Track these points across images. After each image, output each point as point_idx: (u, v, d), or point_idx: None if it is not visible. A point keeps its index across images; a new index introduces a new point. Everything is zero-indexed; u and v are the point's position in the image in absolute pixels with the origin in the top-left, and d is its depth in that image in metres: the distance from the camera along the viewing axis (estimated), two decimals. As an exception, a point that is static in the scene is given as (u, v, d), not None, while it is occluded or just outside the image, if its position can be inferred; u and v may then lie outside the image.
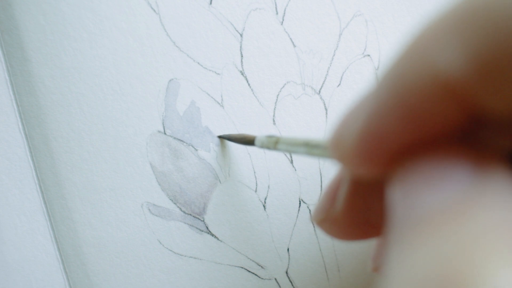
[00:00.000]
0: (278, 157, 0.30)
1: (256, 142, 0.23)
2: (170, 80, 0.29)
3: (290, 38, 0.31)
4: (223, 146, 0.29)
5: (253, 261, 0.30)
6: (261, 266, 0.30)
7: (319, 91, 0.31)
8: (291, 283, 0.30)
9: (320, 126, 0.31)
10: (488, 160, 0.09)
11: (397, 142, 0.10)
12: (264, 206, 0.30)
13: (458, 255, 0.08)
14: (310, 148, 0.16)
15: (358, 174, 0.11)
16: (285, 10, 0.31)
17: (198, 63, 0.29)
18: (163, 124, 0.29)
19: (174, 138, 0.29)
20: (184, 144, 0.29)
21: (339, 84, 0.32)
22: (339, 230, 0.14)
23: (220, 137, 0.29)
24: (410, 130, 0.10)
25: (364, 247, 0.31)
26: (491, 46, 0.09)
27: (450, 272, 0.08)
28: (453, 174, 0.09)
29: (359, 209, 0.13)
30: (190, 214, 0.29)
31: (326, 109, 0.31)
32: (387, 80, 0.10)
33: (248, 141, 0.25)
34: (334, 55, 0.31)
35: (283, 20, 0.31)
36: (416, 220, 0.09)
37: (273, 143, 0.20)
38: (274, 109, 0.30)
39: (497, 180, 0.09)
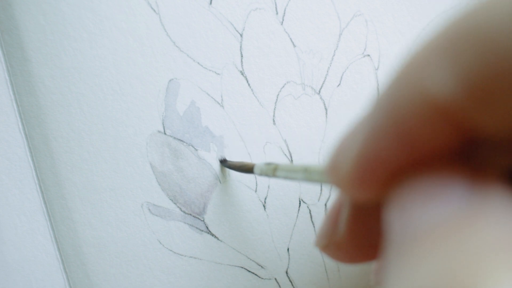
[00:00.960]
0: (278, 157, 0.30)
1: (255, 169, 0.23)
2: (170, 80, 0.29)
3: (290, 38, 0.31)
4: (223, 171, 0.30)
5: (253, 261, 0.30)
6: (261, 266, 0.30)
7: (319, 91, 0.31)
8: (291, 283, 0.30)
9: (320, 126, 0.31)
10: (485, 177, 0.10)
11: (392, 164, 0.10)
12: (264, 206, 0.30)
13: (461, 266, 0.08)
14: (308, 174, 0.16)
15: (356, 198, 0.11)
16: (285, 10, 0.31)
17: (198, 63, 0.29)
18: (163, 124, 0.29)
19: (174, 138, 0.29)
20: (184, 144, 0.29)
21: (339, 84, 0.32)
22: (343, 255, 0.14)
23: (221, 165, 0.29)
24: (405, 152, 0.10)
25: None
26: (481, 67, 0.09)
27: (453, 282, 0.08)
28: (450, 191, 0.09)
29: (362, 232, 0.13)
30: (190, 214, 0.29)
31: (326, 109, 0.31)
32: (381, 104, 0.10)
33: (247, 169, 0.25)
34: (334, 55, 0.31)
35: (283, 20, 0.31)
36: (414, 235, 0.09)
37: (272, 170, 0.20)
38: (274, 109, 0.30)
39: (494, 196, 0.09)
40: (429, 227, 0.09)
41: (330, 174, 0.12)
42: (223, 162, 0.29)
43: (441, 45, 0.09)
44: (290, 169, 0.18)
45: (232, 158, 0.30)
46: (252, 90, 0.30)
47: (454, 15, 0.09)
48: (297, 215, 0.31)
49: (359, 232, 0.13)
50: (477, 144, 0.10)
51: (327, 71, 0.31)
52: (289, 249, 0.30)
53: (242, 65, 0.30)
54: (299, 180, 0.17)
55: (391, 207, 0.10)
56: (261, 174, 0.22)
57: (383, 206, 0.11)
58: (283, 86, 0.31)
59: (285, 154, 0.30)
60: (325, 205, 0.31)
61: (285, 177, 0.19)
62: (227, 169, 0.29)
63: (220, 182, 0.29)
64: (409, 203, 0.10)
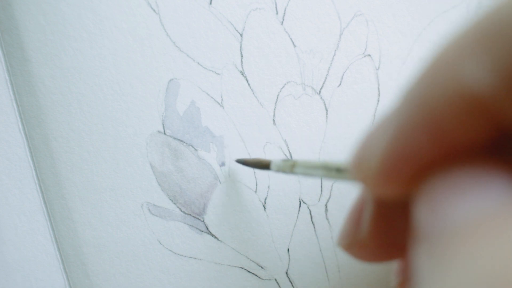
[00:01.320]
0: (278, 157, 0.30)
1: (272, 166, 0.23)
2: (170, 80, 0.29)
3: (290, 38, 0.31)
4: (233, 173, 0.29)
5: (253, 261, 0.30)
6: (261, 267, 0.30)
7: (320, 91, 0.31)
8: (291, 283, 0.30)
9: (321, 126, 0.31)
10: None
11: (423, 159, 0.10)
12: (264, 207, 0.30)
13: None
14: (328, 171, 0.16)
15: (383, 194, 0.11)
16: (285, 10, 0.31)
17: (198, 63, 0.29)
18: (163, 124, 0.29)
19: (174, 138, 0.29)
20: (184, 144, 0.29)
21: (340, 84, 0.31)
22: (367, 254, 0.13)
23: (237, 161, 0.29)
24: (436, 146, 0.10)
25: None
26: None
27: (509, 275, 0.07)
28: (490, 184, 0.09)
29: (386, 231, 0.13)
30: (190, 214, 0.29)
31: (326, 109, 0.31)
32: (411, 97, 0.10)
33: (263, 165, 0.25)
34: (334, 55, 0.31)
35: (283, 20, 0.31)
36: (453, 231, 0.09)
37: (290, 167, 0.20)
38: (274, 109, 0.30)
39: None
40: (471, 222, 0.09)
41: (356, 170, 0.11)
42: (239, 160, 0.29)
43: (477, 36, 0.09)
44: (309, 165, 0.18)
45: (233, 158, 0.30)
46: (252, 90, 0.30)
47: (489, 6, 0.09)
48: (297, 216, 0.31)
49: (383, 230, 0.13)
50: (509, 139, 0.10)
51: (328, 71, 0.31)
52: (289, 250, 0.30)
53: (242, 65, 0.30)
54: (318, 177, 0.17)
55: (421, 203, 0.10)
56: (277, 171, 0.22)
57: (412, 203, 0.10)
58: (283, 86, 0.30)
59: (285, 154, 0.30)
60: (326, 205, 0.31)
61: (304, 174, 0.19)
62: (231, 170, 0.29)
63: (220, 182, 0.29)
64: (443, 198, 0.09)
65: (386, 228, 0.13)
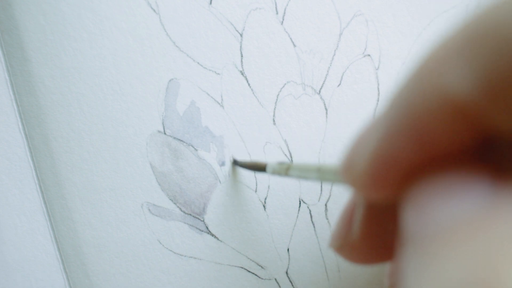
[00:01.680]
0: (278, 157, 0.30)
1: (268, 169, 0.23)
2: (170, 80, 0.29)
3: (290, 38, 0.31)
4: (234, 172, 0.29)
5: (253, 261, 0.30)
6: (261, 266, 0.30)
7: (319, 91, 0.31)
8: (291, 283, 0.30)
9: (320, 126, 0.31)
10: (504, 176, 0.09)
11: (408, 164, 0.10)
12: (264, 206, 0.30)
13: (488, 264, 0.08)
14: (322, 173, 0.16)
15: (371, 198, 0.11)
16: (285, 9, 0.31)
17: (198, 63, 0.29)
18: (163, 124, 0.29)
19: (174, 138, 0.29)
20: (184, 144, 0.29)
21: (340, 84, 0.32)
22: (358, 255, 0.13)
23: (234, 163, 0.29)
24: (421, 151, 0.10)
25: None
26: (499, 66, 0.09)
27: (481, 279, 0.08)
28: (471, 189, 0.09)
29: (376, 233, 0.13)
30: (190, 214, 0.29)
31: (326, 109, 0.31)
32: (396, 103, 0.10)
33: (259, 168, 0.25)
34: (334, 55, 0.31)
35: (283, 20, 0.31)
36: (435, 233, 0.09)
37: (284, 170, 0.20)
38: (274, 109, 0.30)
39: None
40: (452, 225, 0.09)
41: (345, 174, 0.12)
42: (235, 162, 0.29)
43: (459, 44, 0.09)
44: (303, 168, 0.18)
45: (232, 158, 0.30)
46: (252, 90, 0.30)
47: (472, 14, 0.09)
48: (297, 216, 0.31)
49: (374, 232, 0.13)
50: (493, 144, 0.10)
51: (327, 71, 0.31)
52: (289, 250, 0.30)
53: (242, 65, 0.30)
54: (312, 179, 0.17)
55: (407, 207, 0.10)
56: (273, 173, 0.22)
57: (399, 206, 0.11)
58: (283, 86, 0.30)
59: (285, 154, 0.30)
60: (325, 205, 0.31)
61: (298, 177, 0.19)
62: (237, 169, 0.29)
63: (220, 182, 0.29)
64: (427, 202, 0.09)
65: (376, 230, 0.13)
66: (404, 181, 0.10)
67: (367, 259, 0.13)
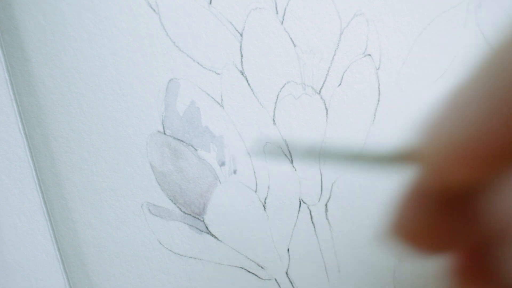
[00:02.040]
0: (278, 158, 0.30)
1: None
2: (170, 80, 0.29)
3: (291, 38, 0.31)
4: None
5: (253, 261, 0.30)
6: (261, 267, 0.30)
7: (320, 91, 0.31)
8: (291, 283, 0.30)
9: (321, 126, 0.31)
10: None
11: (504, 150, 0.10)
12: (264, 207, 0.30)
13: None
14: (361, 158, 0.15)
15: (449, 182, 0.11)
16: (285, 9, 0.31)
17: (198, 63, 0.29)
18: (163, 124, 0.29)
19: (174, 138, 0.29)
20: (184, 144, 0.29)
21: (340, 84, 0.31)
22: (421, 244, 0.13)
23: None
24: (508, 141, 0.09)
25: (364, 248, 0.31)
26: None
27: None
28: None
29: (446, 222, 0.13)
30: (190, 214, 0.29)
31: (326, 109, 0.31)
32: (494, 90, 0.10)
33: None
34: (334, 54, 0.31)
35: (283, 19, 0.31)
36: None
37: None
38: (274, 109, 0.30)
39: None
40: None
41: (424, 152, 0.11)
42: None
43: None
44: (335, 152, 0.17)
45: (234, 158, 0.30)
46: (252, 90, 0.30)
47: None
48: (297, 216, 0.30)
49: (444, 221, 0.13)
50: None
51: (328, 71, 0.31)
52: (289, 250, 0.30)
53: (242, 65, 0.30)
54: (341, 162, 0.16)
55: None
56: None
57: (489, 195, 0.10)
58: (283, 86, 0.30)
59: (285, 155, 0.30)
60: (326, 205, 0.31)
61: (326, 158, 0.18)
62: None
63: (220, 182, 0.29)
64: None
65: (447, 219, 0.13)
66: (495, 166, 0.10)
67: (433, 248, 0.13)
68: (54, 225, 0.27)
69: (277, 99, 0.30)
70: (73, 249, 0.28)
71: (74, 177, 0.28)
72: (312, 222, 0.31)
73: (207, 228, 0.29)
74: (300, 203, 0.31)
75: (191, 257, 0.29)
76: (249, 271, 0.30)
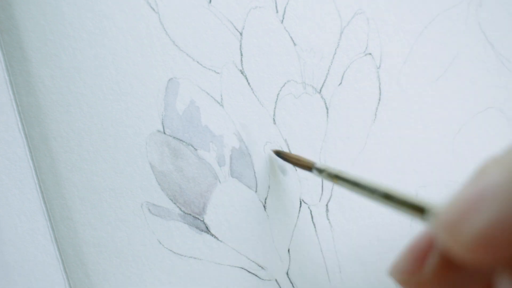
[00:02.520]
0: (278, 157, 0.30)
1: (315, 169, 0.22)
2: (169, 80, 0.29)
3: (291, 37, 0.31)
4: (273, 168, 0.29)
5: (253, 261, 0.29)
6: (262, 267, 0.30)
7: (320, 90, 0.31)
8: (292, 284, 0.30)
9: (321, 126, 0.31)
10: None
11: None
12: (264, 207, 0.30)
13: None
14: (373, 193, 0.16)
15: (464, 261, 0.11)
16: (285, 8, 0.30)
17: (198, 62, 0.29)
18: (162, 123, 0.28)
19: (174, 137, 0.29)
20: (184, 143, 0.29)
21: (340, 83, 0.31)
22: None
23: (275, 152, 0.29)
24: None
25: (366, 249, 0.31)
26: None
27: None
28: None
29: (449, 280, 0.13)
30: (190, 214, 0.29)
31: (327, 108, 0.31)
32: None
33: (305, 165, 0.24)
34: (335, 53, 0.31)
35: (283, 18, 0.30)
36: None
37: (333, 177, 0.19)
38: (275, 108, 0.30)
39: None
40: None
41: (446, 232, 0.12)
42: (278, 154, 0.29)
43: None
44: (354, 181, 0.17)
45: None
46: (252, 89, 0.30)
47: None
48: (298, 216, 0.30)
49: (446, 279, 0.13)
50: None
51: (328, 70, 0.31)
52: (290, 250, 0.30)
53: (242, 64, 0.30)
54: (360, 195, 0.17)
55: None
56: (320, 176, 0.21)
57: (500, 276, 0.11)
58: (284, 85, 0.30)
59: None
60: (326, 205, 0.31)
61: (346, 187, 0.18)
62: (276, 165, 0.29)
63: (219, 182, 0.29)
64: None
65: (450, 277, 0.13)
66: (504, 259, 0.10)
67: None
68: (54, 225, 0.27)
69: (277, 98, 0.30)
70: (73, 249, 0.28)
71: (74, 177, 0.27)
72: (313, 222, 0.31)
73: (207, 228, 0.29)
74: (300, 203, 0.31)
75: (191, 257, 0.29)
76: (249, 272, 0.29)
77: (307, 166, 0.24)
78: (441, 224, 0.12)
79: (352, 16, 0.31)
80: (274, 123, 0.30)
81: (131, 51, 0.28)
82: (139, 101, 0.28)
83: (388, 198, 0.15)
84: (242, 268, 0.29)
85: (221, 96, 0.29)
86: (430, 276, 0.13)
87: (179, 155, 0.29)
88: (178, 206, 0.29)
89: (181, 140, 0.29)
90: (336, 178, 0.19)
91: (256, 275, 0.30)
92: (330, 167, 0.21)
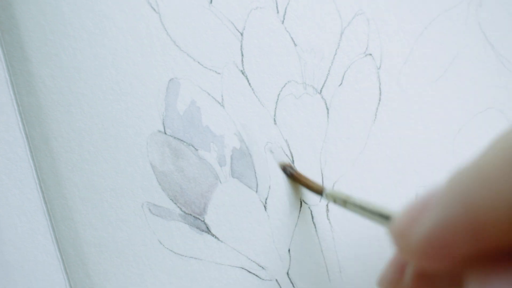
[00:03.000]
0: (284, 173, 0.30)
1: (325, 195, 0.23)
2: (170, 80, 0.29)
3: (291, 37, 0.31)
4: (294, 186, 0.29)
5: (253, 262, 0.30)
6: (262, 267, 0.30)
7: (321, 91, 0.31)
8: (292, 284, 0.30)
9: (322, 126, 0.31)
10: None
11: (463, 251, 0.11)
12: (265, 207, 0.30)
13: None
14: (382, 218, 0.16)
15: (419, 265, 0.12)
16: (286, 9, 0.30)
17: (199, 62, 0.29)
18: (163, 123, 0.28)
19: (175, 138, 0.29)
20: (185, 144, 0.29)
21: (341, 84, 0.31)
22: None
23: (284, 172, 0.29)
24: (478, 244, 0.10)
25: (366, 249, 0.31)
26: None
27: None
28: None
29: (427, 286, 0.14)
30: (191, 214, 0.29)
31: (327, 109, 0.31)
32: (460, 194, 0.11)
33: (314, 189, 0.25)
34: (335, 54, 0.31)
35: (284, 19, 0.30)
36: None
37: (343, 201, 0.20)
38: (275, 108, 0.30)
39: None
40: None
41: (398, 238, 0.12)
42: (288, 174, 0.29)
43: None
44: (363, 206, 0.18)
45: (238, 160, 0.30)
46: (252, 89, 0.30)
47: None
48: (298, 216, 0.30)
49: (426, 286, 0.14)
50: None
51: (329, 71, 0.31)
52: (290, 250, 0.30)
53: (242, 65, 0.30)
54: (370, 219, 0.17)
55: (472, 284, 0.11)
56: (330, 201, 0.22)
57: (463, 277, 0.11)
58: (284, 86, 0.30)
59: (286, 155, 0.30)
60: (327, 206, 0.31)
61: (355, 212, 0.19)
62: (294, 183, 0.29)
63: (220, 182, 0.29)
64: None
65: (428, 285, 0.14)
66: (460, 262, 0.11)
67: None
68: (55, 225, 0.27)
69: (278, 99, 0.30)
70: (74, 249, 0.28)
71: (75, 177, 0.27)
72: (313, 222, 0.31)
73: (207, 228, 0.29)
74: (301, 203, 0.31)
75: (191, 257, 0.29)
76: (249, 272, 0.30)
77: (317, 190, 0.25)
78: (393, 231, 0.12)
79: (352, 17, 0.31)
80: (275, 123, 0.30)
81: (131, 51, 0.28)
82: (140, 101, 0.28)
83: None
84: (243, 268, 0.29)
85: (222, 96, 0.29)
86: (409, 284, 0.14)
87: (180, 155, 0.29)
88: (178, 206, 0.29)
89: (182, 140, 0.29)
90: (345, 203, 0.20)
91: (256, 275, 0.30)
92: (339, 192, 0.21)
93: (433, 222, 0.11)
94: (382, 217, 0.16)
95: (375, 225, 0.31)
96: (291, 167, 0.29)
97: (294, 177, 0.29)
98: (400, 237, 0.12)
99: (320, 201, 0.31)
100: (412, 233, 0.12)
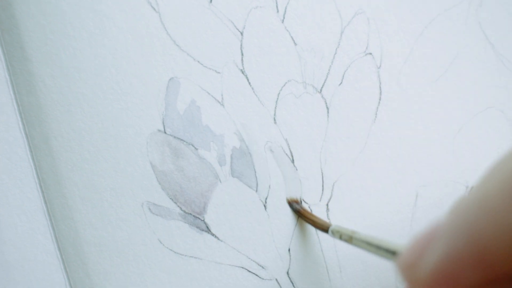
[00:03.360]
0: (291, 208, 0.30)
1: (330, 232, 0.23)
2: (170, 79, 0.29)
3: (291, 37, 0.31)
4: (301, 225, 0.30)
5: (253, 261, 0.29)
6: (262, 267, 0.30)
7: (321, 90, 0.31)
8: (292, 284, 0.30)
9: (322, 125, 0.31)
10: None
11: (471, 280, 0.11)
12: (265, 206, 0.30)
13: None
14: (388, 253, 0.16)
15: None
16: (285, 8, 0.30)
17: (199, 61, 0.29)
18: (163, 123, 0.28)
19: (175, 137, 0.29)
20: (185, 143, 0.29)
21: (341, 83, 0.31)
22: None
23: (291, 207, 0.29)
24: (484, 275, 0.10)
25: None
26: None
27: None
28: None
29: None
30: (191, 214, 0.29)
31: (327, 108, 0.31)
32: (463, 225, 0.11)
33: (320, 226, 0.25)
34: (335, 53, 0.31)
35: (284, 18, 0.30)
36: None
37: (348, 237, 0.20)
38: (275, 108, 0.30)
39: None
40: None
41: (407, 273, 0.12)
42: (292, 206, 0.29)
43: None
44: (368, 242, 0.18)
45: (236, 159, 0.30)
46: (252, 89, 0.30)
47: None
48: (298, 216, 0.30)
49: None
50: None
51: (329, 70, 0.31)
52: (290, 250, 0.30)
53: (242, 64, 0.30)
54: (375, 255, 0.17)
55: None
56: (335, 237, 0.22)
57: None
58: (284, 85, 0.30)
59: (287, 154, 0.30)
60: (327, 205, 0.31)
61: (361, 247, 0.19)
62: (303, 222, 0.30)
63: (220, 182, 0.29)
64: None
65: None
66: None
67: None
68: (55, 224, 0.27)
69: (277, 98, 0.30)
70: (74, 249, 0.28)
71: (75, 176, 0.27)
72: (313, 221, 0.31)
73: (207, 227, 0.29)
74: (301, 203, 0.31)
75: (191, 256, 0.29)
76: (249, 271, 0.29)
77: (323, 227, 0.25)
78: (401, 265, 0.13)
79: (352, 16, 0.31)
80: (275, 122, 0.30)
81: (131, 51, 0.28)
82: (140, 100, 0.28)
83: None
84: (243, 267, 0.29)
85: (222, 95, 0.29)
86: None
87: (179, 154, 0.29)
88: (178, 206, 0.29)
89: (181, 139, 0.29)
90: (351, 238, 0.20)
91: (256, 275, 0.30)
92: (345, 228, 0.22)
93: (440, 254, 0.11)
94: (389, 252, 0.16)
95: (375, 225, 0.31)
96: (297, 203, 0.30)
97: (301, 213, 0.29)
98: (408, 271, 0.12)
99: (320, 201, 0.31)
100: (420, 266, 0.12)
